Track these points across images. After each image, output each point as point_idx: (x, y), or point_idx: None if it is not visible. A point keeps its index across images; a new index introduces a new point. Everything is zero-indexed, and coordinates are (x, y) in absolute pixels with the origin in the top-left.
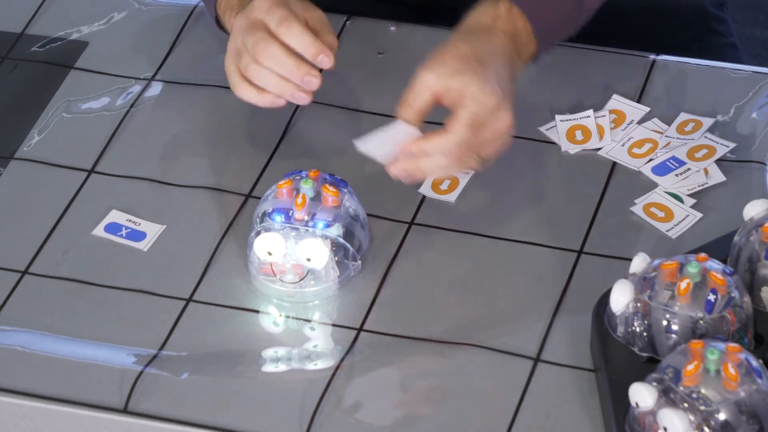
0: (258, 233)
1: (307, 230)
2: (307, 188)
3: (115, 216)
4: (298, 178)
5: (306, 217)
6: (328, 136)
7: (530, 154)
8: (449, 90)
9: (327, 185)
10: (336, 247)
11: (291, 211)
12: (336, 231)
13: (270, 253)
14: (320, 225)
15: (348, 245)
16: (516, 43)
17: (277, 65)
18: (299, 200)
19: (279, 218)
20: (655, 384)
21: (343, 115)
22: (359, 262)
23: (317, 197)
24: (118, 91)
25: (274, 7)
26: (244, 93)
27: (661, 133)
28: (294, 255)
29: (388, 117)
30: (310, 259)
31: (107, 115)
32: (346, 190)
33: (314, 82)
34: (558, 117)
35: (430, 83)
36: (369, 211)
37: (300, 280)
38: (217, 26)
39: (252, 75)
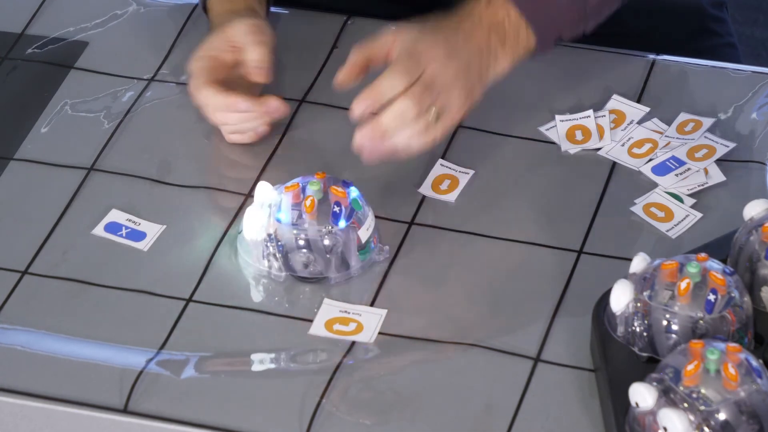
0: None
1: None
2: (314, 190)
3: (115, 215)
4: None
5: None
6: (327, 136)
7: (530, 154)
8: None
9: (334, 186)
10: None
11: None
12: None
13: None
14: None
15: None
16: (498, 32)
17: (240, 121)
18: (308, 203)
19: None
20: (655, 384)
21: (343, 115)
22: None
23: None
24: (118, 91)
25: (194, 71)
26: (233, 140)
27: (661, 133)
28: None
29: None
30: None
31: (107, 115)
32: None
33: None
34: (558, 117)
35: (389, 39)
36: None
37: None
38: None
39: (228, 131)
